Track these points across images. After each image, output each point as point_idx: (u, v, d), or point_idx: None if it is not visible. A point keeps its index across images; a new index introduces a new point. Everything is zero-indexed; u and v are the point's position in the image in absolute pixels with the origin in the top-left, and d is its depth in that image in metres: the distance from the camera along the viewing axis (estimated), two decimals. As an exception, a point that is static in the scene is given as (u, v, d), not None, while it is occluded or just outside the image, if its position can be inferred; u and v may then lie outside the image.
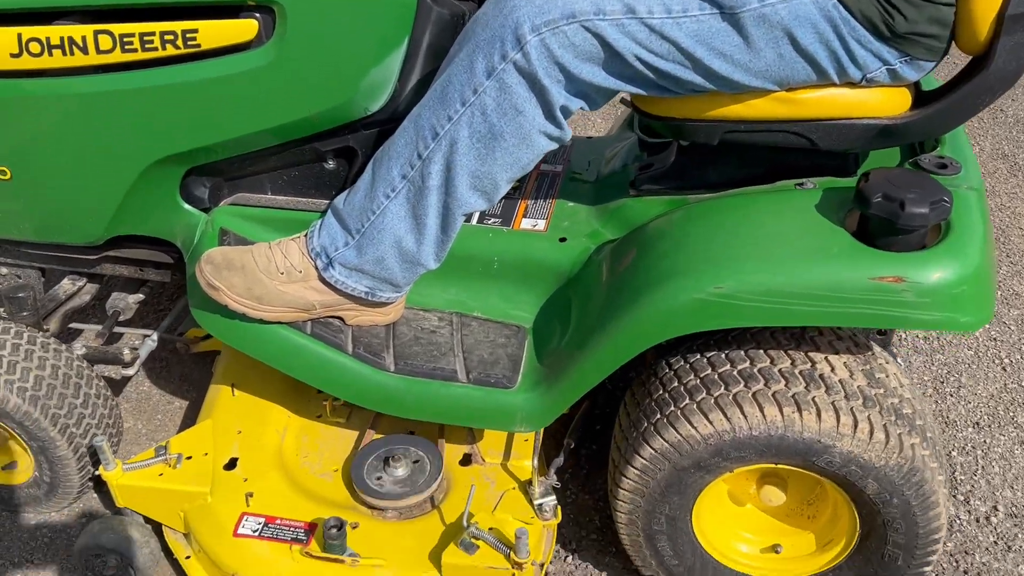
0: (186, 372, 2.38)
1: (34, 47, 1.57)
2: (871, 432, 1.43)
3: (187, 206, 1.76)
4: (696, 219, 1.52)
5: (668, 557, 1.68)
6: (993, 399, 2.29)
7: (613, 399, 1.90)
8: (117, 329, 2.05)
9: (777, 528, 1.70)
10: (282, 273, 1.58)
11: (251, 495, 1.69)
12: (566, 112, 1.42)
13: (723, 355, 1.55)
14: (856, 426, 1.43)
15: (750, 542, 1.70)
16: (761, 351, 1.53)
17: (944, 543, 1.74)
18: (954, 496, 2.03)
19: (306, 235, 1.61)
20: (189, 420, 2.21)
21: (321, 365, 1.63)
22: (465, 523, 1.58)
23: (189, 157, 1.67)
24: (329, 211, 1.61)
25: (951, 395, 2.30)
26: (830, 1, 1.34)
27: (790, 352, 1.52)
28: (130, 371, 1.94)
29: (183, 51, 1.54)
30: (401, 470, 1.71)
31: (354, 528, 1.64)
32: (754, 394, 1.47)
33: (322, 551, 1.58)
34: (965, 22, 1.39)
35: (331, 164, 1.74)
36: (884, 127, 1.48)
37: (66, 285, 2.04)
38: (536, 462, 1.71)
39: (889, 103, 1.47)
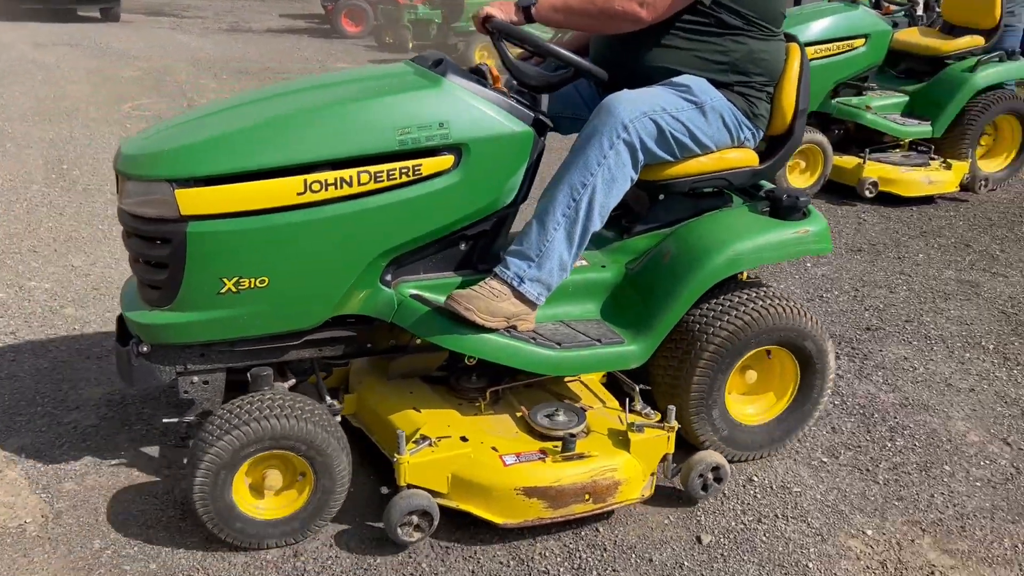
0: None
1: (315, 186, 2.43)
2: (773, 313, 2.85)
3: (382, 286, 2.65)
4: (699, 228, 2.87)
5: (721, 429, 2.93)
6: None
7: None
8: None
9: (758, 393, 3.05)
10: (495, 296, 2.58)
11: (495, 448, 2.59)
12: (641, 165, 2.70)
13: (707, 307, 2.88)
14: (765, 312, 2.84)
15: (753, 406, 3.04)
16: (720, 299, 2.89)
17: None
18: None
19: (495, 275, 2.63)
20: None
21: (519, 351, 2.62)
22: (626, 423, 2.68)
23: (398, 248, 2.60)
24: (507, 256, 2.64)
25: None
26: (730, 103, 2.82)
27: (727, 296, 2.89)
28: (337, 418, 2.69)
29: (412, 178, 2.52)
30: (562, 416, 2.73)
31: None
32: (730, 318, 2.82)
33: (563, 455, 2.55)
34: (777, 113, 2.97)
35: (463, 247, 2.76)
36: (755, 171, 2.98)
37: None
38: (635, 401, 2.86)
39: (752, 159, 2.98)
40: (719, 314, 2.83)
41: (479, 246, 2.76)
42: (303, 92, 2.66)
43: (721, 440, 2.95)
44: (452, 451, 2.55)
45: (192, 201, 2.37)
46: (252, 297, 2.48)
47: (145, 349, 2.55)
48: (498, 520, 2.52)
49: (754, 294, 2.88)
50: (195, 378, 2.65)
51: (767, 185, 3.14)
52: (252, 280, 2.46)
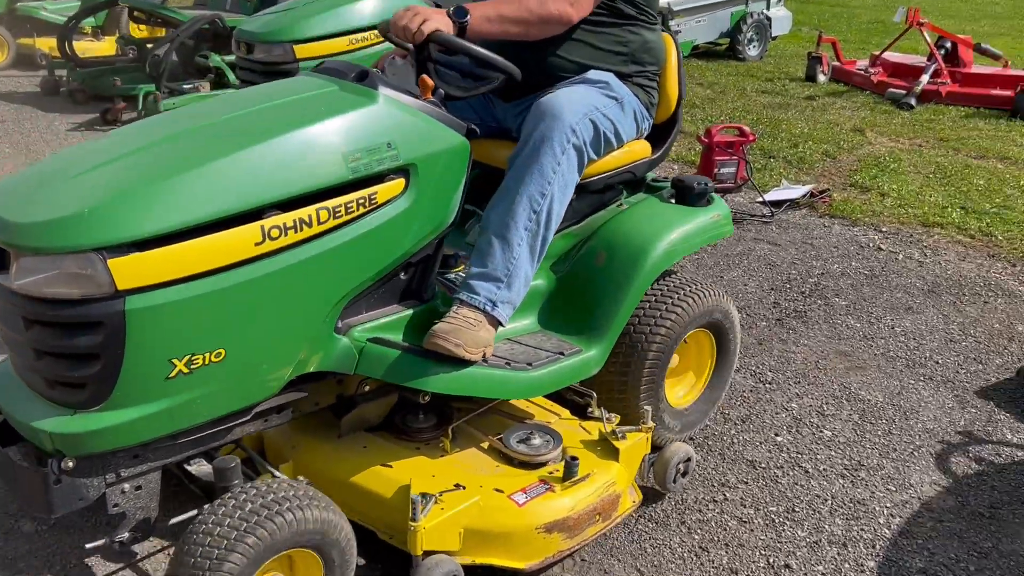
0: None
1: (274, 233, 2.04)
2: (702, 295, 2.94)
3: (337, 335, 2.31)
4: (624, 225, 2.83)
5: (666, 418, 2.96)
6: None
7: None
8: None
9: (679, 375, 3.10)
10: (472, 325, 2.36)
11: (499, 489, 2.37)
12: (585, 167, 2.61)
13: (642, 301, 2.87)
14: (697, 296, 2.92)
15: (680, 388, 3.08)
16: (651, 291, 2.90)
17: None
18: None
19: (462, 302, 2.40)
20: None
21: (507, 380, 2.44)
22: (609, 432, 2.60)
23: (357, 288, 2.27)
24: (470, 281, 2.43)
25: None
26: (634, 95, 2.81)
27: (656, 288, 2.91)
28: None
29: (368, 208, 2.22)
30: (537, 439, 2.58)
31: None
32: (668, 307, 2.85)
33: (569, 480, 2.41)
34: (663, 101, 3.01)
35: (403, 276, 2.48)
36: (652, 160, 3.01)
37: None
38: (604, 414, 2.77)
39: (648, 149, 3.00)
40: (654, 305, 2.84)
41: (418, 273, 2.51)
42: (220, 124, 2.20)
43: (666, 429, 2.98)
44: (461, 503, 2.30)
45: (130, 271, 1.88)
46: (207, 375, 2.04)
47: (70, 465, 2.00)
48: (521, 565, 2.34)
49: (678, 281, 2.93)
50: (126, 486, 2.14)
51: (649, 175, 3.19)
52: (207, 355, 2.03)
